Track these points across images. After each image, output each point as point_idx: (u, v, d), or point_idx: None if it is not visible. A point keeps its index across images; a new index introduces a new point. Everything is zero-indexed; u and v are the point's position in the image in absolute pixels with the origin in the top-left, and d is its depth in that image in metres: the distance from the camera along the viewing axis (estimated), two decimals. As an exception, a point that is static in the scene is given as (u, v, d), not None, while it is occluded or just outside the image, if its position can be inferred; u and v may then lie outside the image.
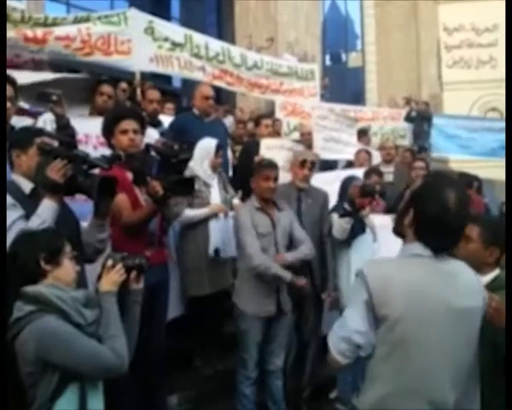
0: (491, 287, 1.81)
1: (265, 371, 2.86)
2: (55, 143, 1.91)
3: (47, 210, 1.81)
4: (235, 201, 3.42)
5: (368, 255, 3.37)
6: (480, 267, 1.83)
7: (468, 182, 5.18)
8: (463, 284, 1.36)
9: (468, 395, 1.37)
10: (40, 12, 5.55)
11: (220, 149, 3.27)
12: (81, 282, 1.75)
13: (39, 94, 3.00)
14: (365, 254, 3.34)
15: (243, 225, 2.75)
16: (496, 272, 1.87)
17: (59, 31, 4.20)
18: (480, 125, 7.83)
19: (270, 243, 2.76)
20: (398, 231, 1.43)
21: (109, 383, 1.66)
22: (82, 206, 2.23)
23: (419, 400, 1.29)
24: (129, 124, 2.36)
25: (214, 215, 3.11)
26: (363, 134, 5.78)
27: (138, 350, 1.83)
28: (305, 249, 2.86)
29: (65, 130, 2.90)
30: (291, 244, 2.92)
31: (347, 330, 1.33)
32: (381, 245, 3.37)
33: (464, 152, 7.54)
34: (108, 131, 2.40)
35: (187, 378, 3.18)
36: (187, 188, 2.26)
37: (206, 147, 3.24)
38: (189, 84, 6.14)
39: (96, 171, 1.91)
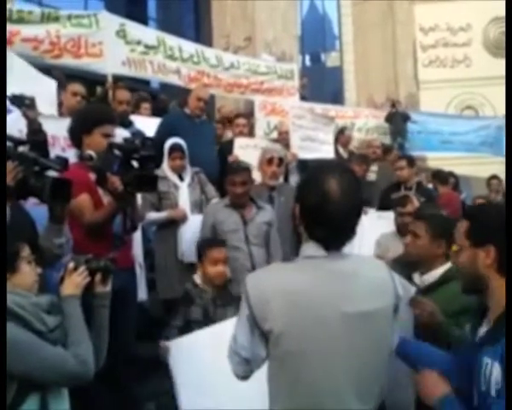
0: (441, 280, 1.88)
1: None
2: (7, 144, 1.83)
3: None
4: (214, 201, 3.38)
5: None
6: (431, 262, 1.93)
7: (443, 178, 5.28)
8: (360, 285, 1.21)
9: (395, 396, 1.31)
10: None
11: (176, 150, 3.18)
12: (43, 285, 1.69)
13: (13, 96, 2.92)
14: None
15: (203, 225, 2.77)
16: (447, 265, 1.92)
17: (26, 31, 4.11)
18: (459, 123, 7.99)
19: (239, 240, 2.74)
20: (297, 231, 1.33)
21: (81, 390, 1.61)
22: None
23: None
24: (112, 129, 2.35)
25: (180, 219, 3.08)
26: (340, 133, 5.79)
27: (108, 356, 1.79)
28: None
29: (37, 134, 2.82)
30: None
31: (236, 344, 1.24)
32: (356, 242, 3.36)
33: (446, 148, 7.69)
34: (86, 131, 2.33)
35: (164, 385, 3.12)
36: (149, 184, 2.20)
37: (165, 147, 3.20)
38: (168, 86, 6.10)
39: (57, 174, 1.84)
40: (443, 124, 7.89)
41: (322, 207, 1.17)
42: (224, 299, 2.36)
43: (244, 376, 1.27)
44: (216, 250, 2.42)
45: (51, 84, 3.74)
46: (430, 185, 5.83)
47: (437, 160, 7.68)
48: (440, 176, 5.40)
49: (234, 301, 2.31)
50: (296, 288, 1.18)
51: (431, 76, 9.00)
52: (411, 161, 4.35)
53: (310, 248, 1.23)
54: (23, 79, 3.42)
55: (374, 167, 5.25)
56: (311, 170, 1.32)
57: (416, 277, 2.00)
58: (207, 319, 2.32)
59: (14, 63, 3.49)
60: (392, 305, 1.24)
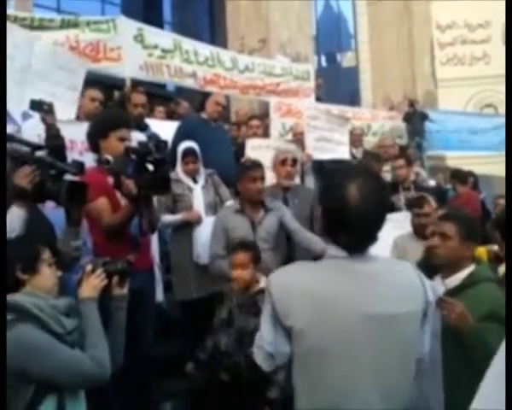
0: (467, 283, 1.83)
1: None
2: (25, 149, 1.88)
3: (15, 218, 1.79)
4: (228, 203, 3.39)
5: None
6: (458, 263, 1.87)
7: (462, 178, 5.19)
8: (386, 287, 1.20)
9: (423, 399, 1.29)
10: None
11: (189, 155, 3.20)
12: (61, 288, 1.72)
13: (32, 102, 3.00)
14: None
15: (213, 230, 2.80)
16: (471, 267, 1.87)
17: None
18: (478, 121, 7.84)
19: None
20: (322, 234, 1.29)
21: (97, 390, 1.63)
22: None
23: None
24: (128, 133, 2.39)
25: (195, 221, 3.09)
26: (349, 134, 5.72)
27: (125, 358, 1.81)
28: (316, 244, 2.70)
29: (55, 139, 2.88)
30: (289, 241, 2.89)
31: (260, 338, 1.27)
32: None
33: (465, 147, 7.55)
34: (102, 135, 2.37)
35: (180, 385, 3.14)
36: (162, 187, 2.23)
37: (178, 151, 3.23)
38: (184, 89, 6.16)
39: (74, 177, 1.87)
40: (462, 122, 7.75)
41: (343, 212, 1.17)
42: (249, 308, 2.37)
43: (270, 369, 1.29)
44: (234, 255, 2.43)
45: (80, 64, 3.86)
46: (449, 185, 5.74)
47: (456, 159, 7.55)
48: (459, 175, 5.31)
49: (259, 312, 2.30)
50: (317, 287, 1.19)
51: (449, 74, 8.84)
52: (409, 160, 4.27)
53: (333, 250, 1.23)
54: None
55: (386, 167, 5.17)
56: (335, 173, 1.31)
57: (438, 280, 1.92)
58: (230, 322, 2.40)
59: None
60: (420, 310, 1.22)
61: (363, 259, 1.21)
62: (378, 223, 1.21)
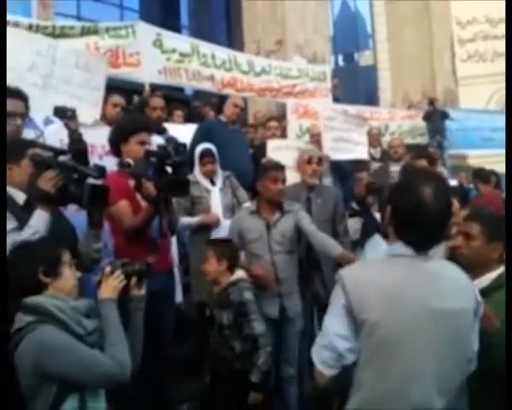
0: (495, 285, 1.77)
1: (280, 379, 2.80)
2: (48, 154, 1.93)
3: (39, 221, 1.83)
4: (245, 205, 3.40)
5: (382, 255, 3.30)
6: (485, 264, 1.81)
7: (484, 177, 5.07)
8: (447, 285, 1.31)
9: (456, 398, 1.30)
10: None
11: (207, 156, 3.22)
12: (81, 289, 1.75)
13: (55, 109, 3.08)
14: (379, 254, 3.27)
15: (229, 232, 2.82)
16: (501, 269, 1.81)
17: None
18: (500, 118, 7.67)
19: (263, 247, 2.71)
20: (384, 230, 1.41)
21: (116, 391, 1.66)
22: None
23: (401, 404, 1.24)
24: (148, 137, 2.44)
25: (213, 223, 3.11)
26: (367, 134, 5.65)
27: (144, 358, 1.84)
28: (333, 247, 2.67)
29: (78, 144, 2.95)
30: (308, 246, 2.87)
31: (328, 336, 1.28)
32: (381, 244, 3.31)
33: (487, 145, 7.40)
34: (123, 139, 2.43)
35: (197, 386, 3.16)
36: (181, 189, 2.26)
37: (196, 153, 3.25)
38: (202, 93, 6.23)
39: (95, 181, 1.91)
40: (483, 120, 7.61)
41: (417, 212, 1.26)
42: (222, 302, 2.46)
43: (332, 374, 1.29)
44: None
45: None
46: (471, 185, 5.62)
47: (477, 157, 7.41)
48: (481, 175, 5.19)
49: (230, 306, 2.42)
50: (389, 282, 1.27)
51: (470, 71, 8.69)
52: (431, 160, 4.17)
53: (400, 248, 1.31)
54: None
55: (395, 167, 5.08)
56: (406, 174, 1.42)
57: None
58: (213, 320, 2.51)
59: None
60: (473, 308, 1.32)
61: (427, 258, 1.31)
62: (446, 224, 1.32)
